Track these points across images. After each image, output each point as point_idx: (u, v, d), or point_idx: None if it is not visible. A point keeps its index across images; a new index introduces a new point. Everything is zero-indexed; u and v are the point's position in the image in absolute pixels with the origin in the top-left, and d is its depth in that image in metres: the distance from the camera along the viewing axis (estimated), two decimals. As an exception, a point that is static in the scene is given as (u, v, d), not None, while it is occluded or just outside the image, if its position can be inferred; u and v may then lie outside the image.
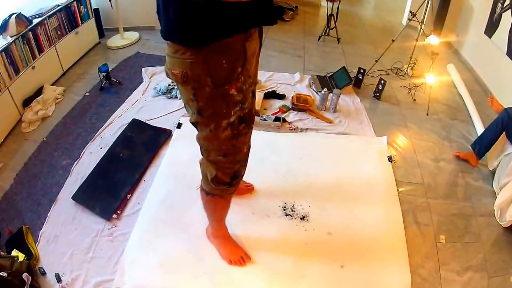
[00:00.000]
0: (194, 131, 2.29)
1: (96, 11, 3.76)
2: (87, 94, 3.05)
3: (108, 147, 2.44)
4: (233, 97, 1.21)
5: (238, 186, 1.56)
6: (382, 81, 3.07)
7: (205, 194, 1.56)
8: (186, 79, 1.16)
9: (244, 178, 2.15)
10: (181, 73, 1.16)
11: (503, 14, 3.18)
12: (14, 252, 1.76)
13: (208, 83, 1.16)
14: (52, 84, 3.10)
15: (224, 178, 1.45)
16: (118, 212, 2.03)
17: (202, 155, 1.46)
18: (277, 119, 2.72)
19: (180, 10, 1.02)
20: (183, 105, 1.40)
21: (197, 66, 1.13)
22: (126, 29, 3.93)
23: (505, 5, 3.16)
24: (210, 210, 1.70)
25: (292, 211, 2.07)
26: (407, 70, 3.54)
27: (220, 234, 1.83)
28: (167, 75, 1.25)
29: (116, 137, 2.53)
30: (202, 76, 1.15)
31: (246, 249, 1.86)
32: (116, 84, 3.15)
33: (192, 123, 1.35)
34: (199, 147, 1.44)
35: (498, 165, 2.37)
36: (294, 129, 2.72)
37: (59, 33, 3.18)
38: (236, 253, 1.82)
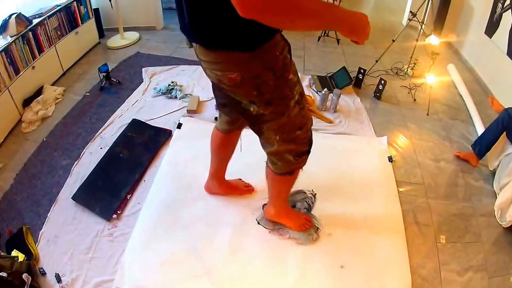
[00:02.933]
0: (194, 132, 2.30)
1: (96, 11, 3.76)
2: (87, 94, 3.05)
3: (108, 147, 2.44)
4: (292, 80, 1.32)
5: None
6: (382, 81, 3.07)
7: (288, 174, 1.60)
8: (245, 80, 1.20)
9: (244, 178, 2.17)
10: (240, 75, 1.19)
11: (503, 14, 3.18)
12: (14, 252, 1.76)
13: (270, 76, 1.22)
14: (52, 84, 3.10)
15: (302, 148, 1.52)
16: (118, 212, 2.03)
17: (279, 141, 1.47)
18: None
19: (234, 21, 1.01)
20: (233, 104, 1.41)
21: (255, 65, 1.18)
22: (126, 29, 3.93)
23: (505, 5, 3.16)
24: (284, 189, 1.78)
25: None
26: (407, 70, 3.54)
27: (283, 209, 1.92)
28: (220, 82, 1.27)
29: (116, 137, 2.52)
30: (263, 72, 1.20)
31: (246, 250, 1.86)
32: (116, 84, 3.15)
33: (257, 116, 1.38)
34: (268, 141, 1.49)
35: (498, 165, 2.37)
36: (294, 129, 2.71)
37: (59, 33, 3.18)
38: (302, 219, 1.95)
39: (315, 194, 2.15)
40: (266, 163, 1.62)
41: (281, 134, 1.44)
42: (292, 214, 1.97)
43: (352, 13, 1.08)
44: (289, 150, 1.50)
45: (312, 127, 1.51)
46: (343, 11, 1.05)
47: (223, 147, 1.85)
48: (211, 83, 1.45)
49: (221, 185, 2.09)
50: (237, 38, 1.11)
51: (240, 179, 2.19)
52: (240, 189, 2.13)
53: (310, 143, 1.55)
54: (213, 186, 2.09)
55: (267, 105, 1.32)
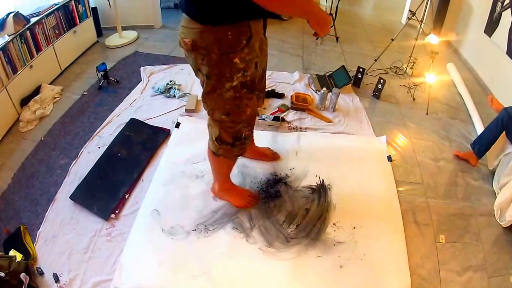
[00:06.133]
0: (192, 131, 2.31)
1: (94, 10, 3.75)
2: (85, 93, 3.04)
3: (106, 147, 2.43)
4: (236, 64, 1.39)
5: (243, 149, 1.74)
6: (382, 80, 3.06)
7: (212, 153, 1.76)
8: (195, 47, 1.35)
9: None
10: (191, 41, 1.34)
11: (503, 13, 3.18)
12: (12, 252, 1.75)
13: (215, 50, 1.33)
14: (50, 83, 3.08)
15: (227, 138, 1.64)
16: (116, 211, 2.02)
17: (208, 115, 1.62)
18: (276, 118, 2.71)
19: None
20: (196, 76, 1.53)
21: (206, 36, 1.31)
22: (124, 28, 3.91)
23: (505, 4, 3.16)
24: (216, 169, 1.92)
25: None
26: (406, 69, 3.54)
27: (225, 187, 2.03)
28: (180, 44, 1.43)
29: (114, 137, 2.51)
30: (210, 44, 1.32)
31: (244, 249, 1.86)
32: (114, 83, 3.14)
33: (202, 85, 1.51)
34: (206, 110, 1.62)
35: (498, 165, 2.36)
36: (293, 128, 2.71)
37: (57, 32, 3.17)
38: (245, 197, 2.05)
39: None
40: None
41: (210, 109, 1.58)
42: (234, 191, 2.06)
43: (321, 9, 1.36)
44: (214, 130, 1.65)
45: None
46: (316, 5, 1.34)
47: None
48: None
49: (251, 150, 2.24)
50: (204, 12, 1.28)
51: (269, 148, 2.38)
52: (267, 156, 2.33)
53: (236, 138, 1.64)
54: None
55: (206, 77, 1.44)
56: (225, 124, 1.59)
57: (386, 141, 2.60)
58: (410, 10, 3.52)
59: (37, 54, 2.92)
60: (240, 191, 2.08)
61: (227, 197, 2.06)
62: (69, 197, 2.08)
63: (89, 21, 3.66)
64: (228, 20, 1.28)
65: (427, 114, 3.00)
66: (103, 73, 3.10)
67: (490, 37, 3.38)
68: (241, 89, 1.46)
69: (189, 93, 2.96)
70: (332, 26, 4.11)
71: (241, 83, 1.45)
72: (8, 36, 2.62)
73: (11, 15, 2.63)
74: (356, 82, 3.25)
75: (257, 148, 2.32)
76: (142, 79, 3.20)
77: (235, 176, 2.16)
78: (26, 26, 2.78)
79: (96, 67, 3.08)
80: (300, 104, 2.87)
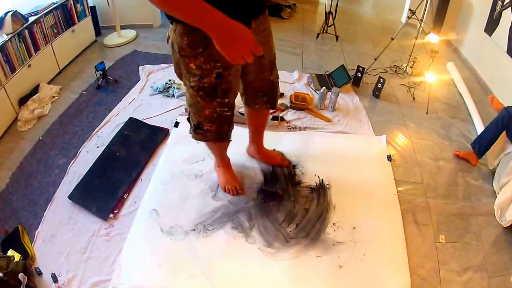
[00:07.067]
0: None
1: (93, 9, 3.74)
2: (83, 92, 3.03)
3: (105, 146, 2.42)
4: (192, 69, 1.47)
5: (207, 138, 1.78)
6: (381, 80, 3.05)
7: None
8: (168, 42, 1.50)
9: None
10: (168, 36, 1.48)
11: (503, 12, 3.17)
12: (10, 252, 1.74)
13: (176, 51, 1.45)
14: (48, 83, 3.07)
15: (192, 122, 1.75)
16: (115, 211, 2.02)
17: None
18: (275, 117, 2.70)
19: None
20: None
21: (173, 36, 1.42)
22: (123, 27, 3.90)
23: (505, 3, 3.15)
24: (209, 147, 2.00)
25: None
26: (406, 68, 3.53)
27: (220, 165, 2.13)
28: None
29: (113, 136, 2.50)
30: (174, 45, 1.44)
31: (243, 249, 1.85)
32: (113, 83, 3.13)
33: None
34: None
35: (498, 164, 2.36)
36: (293, 127, 2.70)
37: (55, 31, 3.16)
38: (232, 183, 2.11)
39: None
40: None
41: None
42: (226, 173, 2.13)
43: (228, 22, 1.07)
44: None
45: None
46: (216, 16, 1.06)
47: (248, 119, 2.08)
48: None
49: (259, 152, 2.28)
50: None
51: (280, 153, 2.37)
52: (276, 160, 2.30)
53: (196, 126, 1.73)
54: (252, 150, 2.30)
55: (174, 71, 1.58)
56: (190, 111, 1.71)
57: (386, 141, 2.60)
58: (410, 9, 3.51)
59: (35, 53, 2.91)
60: (231, 177, 2.13)
61: (218, 174, 2.16)
62: (68, 197, 2.07)
63: (88, 20, 3.65)
64: (177, 20, 1.30)
65: (427, 113, 2.99)
66: (101, 72, 3.08)
67: (490, 36, 3.37)
68: (198, 91, 1.54)
69: (188, 92, 2.95)
70: (331, 25, 4.09)
71: (198, 86, 1.52)
72: (6, 35, 2.61)
73: (9, 14, 2.62)
74: (356, 81, 3.24)
75: (266, 151, 2.32)
76: (141, 78, 3.19)
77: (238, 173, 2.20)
78: (24, 25, 2.76)
79: (95, 66, 3.07)
80: (300, 103, 2.86)
